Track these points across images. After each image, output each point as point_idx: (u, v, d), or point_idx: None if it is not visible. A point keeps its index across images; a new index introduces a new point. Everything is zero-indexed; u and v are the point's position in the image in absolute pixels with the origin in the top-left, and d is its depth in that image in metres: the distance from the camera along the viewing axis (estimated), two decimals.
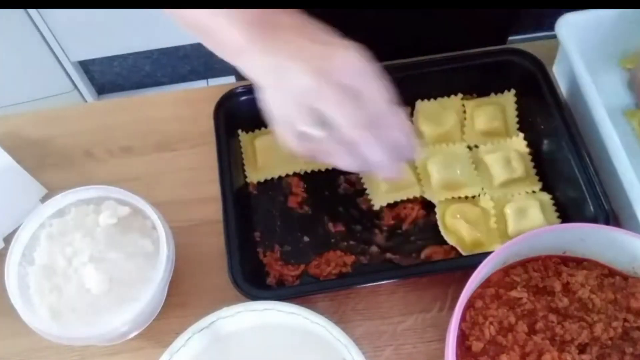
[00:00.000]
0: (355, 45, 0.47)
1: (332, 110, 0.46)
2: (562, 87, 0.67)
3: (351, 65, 0.46)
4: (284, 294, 0.57)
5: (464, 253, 0.59)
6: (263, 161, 0.65)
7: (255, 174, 0.65)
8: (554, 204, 0.61)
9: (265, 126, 0.66)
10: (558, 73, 0.68)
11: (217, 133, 0.63)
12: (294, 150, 0.50)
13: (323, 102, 0.45)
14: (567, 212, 0.60)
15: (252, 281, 0.56)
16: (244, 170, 0.65)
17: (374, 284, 0.58)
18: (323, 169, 0.65)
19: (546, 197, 0.62)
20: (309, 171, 0.65)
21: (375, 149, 0.48)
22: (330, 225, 0.63)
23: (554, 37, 0.64)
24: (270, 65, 0.47)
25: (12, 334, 0.59)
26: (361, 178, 0.65)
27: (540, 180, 0.63)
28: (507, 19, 0.82)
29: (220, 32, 0.49)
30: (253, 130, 0.67)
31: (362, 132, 0.46)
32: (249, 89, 0.64)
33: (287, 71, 0.46)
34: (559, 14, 0.64)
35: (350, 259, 0.61)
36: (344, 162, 0.49)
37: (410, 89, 0.67)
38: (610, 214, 0.55)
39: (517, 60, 0.65)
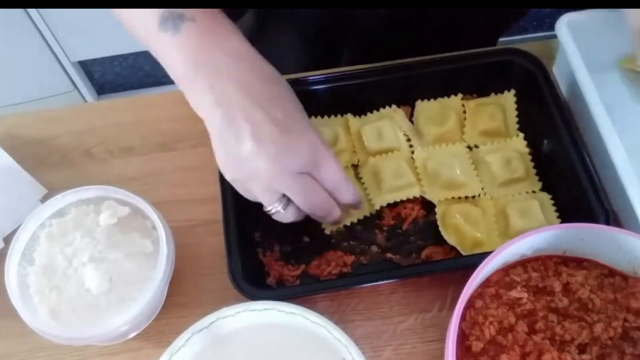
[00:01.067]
0: (309, 129, 0.51)
1: (292, 195, 0.51)
2: (562, 87, 0.67)
3: (305, 156, 0.50)
4: (284, 294, 0.57)
5: (464, 253, 0.59)
6: None
7: None
8: (554, 204, 0.61)
9: None
10: (558, 73, 0.68)
11: None
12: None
13: (280, 187, 0.50)
14: (567, 212, 0.60)
15: (252, 281, 0.56)
16: None
17: (374, 284, 0.58)
18: None
19: (546, 197, 0.62)
20: None
21: (330, 217, 0.55)
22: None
23: (554, 37, 0.64)
24: (223, 128, 0.49)
25: (12, 334, 0.59)
26: (361, 178, 0.65)
27: (540, 180, 0.63)
28: (500, 21, 0.82)
29: (167, 57, 0.52)
30: None
31: (320, 209, 0.54)
32: None
33: (243, 148, 0.48)
34: (559, 14, 0.64)
35: (350, 259, 0.61)
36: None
37: (411, 89, 0.67)
38: (610, 214, 0.55)
39: (517, 60, 0.65)
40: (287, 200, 0.52)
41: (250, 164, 0.49)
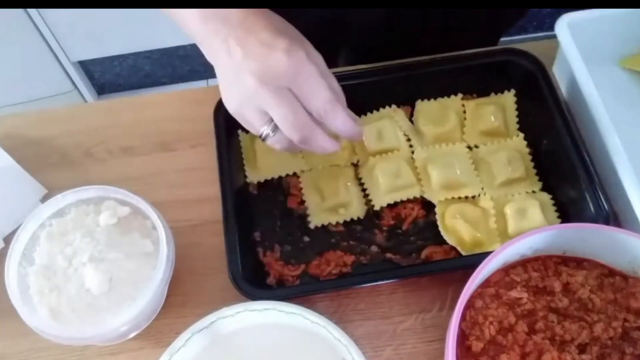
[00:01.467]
0: (296, 45, 0.50)
1: (271, 112, 0.51)
2: (562, 87, 0.67)
3: (286, 67, 0.49)
4: (284, 294, 0.57)
5: (463, 253, 0.59)
6: (263, 161, 0.65)
7: (255, 174, 0.65)
8: (554, 204, 0.61)
9: None
10: (558, 73, 0.68)
11: (217, 133, 0.63)
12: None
13: (263, 103, 0.50)
14: (567, 212, 0.60)
15: (252, 281, 0.56)
16: (244, 170, 0.65)
17: (374, 284, 0.58)
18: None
19: (546, 197, 0.62)
20: (308, 171, 0.65)
21: (314, 144, 0.53)
22: (331, 225, 0.63)
23: (554, 37, 0.64)
24: (224, 63, 0.51)
25: (12, 334, 0.59)
26: (361, 178, 0.65)
27: (540, 180, 0.63)
28: (500, 21, 0.82)
29: (185, 24, 0.54)
30: None
31: (298, 132, 0.51)
32: None
33: (234, 72, 0.50)
34: (559, 14, 0.64)
35: (350, 258, 0.61)
36: (288, 149, 0.55)
37: (411, 89, 0.67)
38: (610, 214, 0.55)
39: (517, 61, 0.65)
40: (275, 124, 0.52)
41: (240, 85, 0.50)
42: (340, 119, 0.53)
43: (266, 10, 0.53)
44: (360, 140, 0.59)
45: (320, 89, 0.51)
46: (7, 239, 0.63)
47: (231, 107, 0.53)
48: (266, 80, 0.49)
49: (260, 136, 0.53)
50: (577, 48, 0.61)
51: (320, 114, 0.52)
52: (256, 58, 0.49)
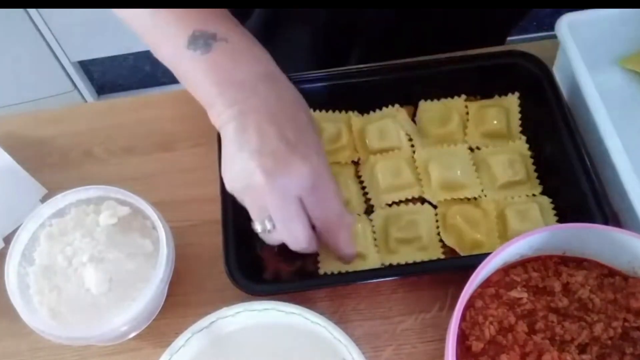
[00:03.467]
0: (315, 154, 0.49)
1: (275, 218, 0.49)
2: (562, 88, 0.67)
3: (302, 179, 0.48)
4: (280, 288, 0.56)
5: (462, 254, 0.59)
6: None
7: None
8: (554, 208, 0.61)
9: None
10: (558, 73, 0.68)
11: None
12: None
13: (268, 205, 0.49)
14: (566, 216, 0.60)
15: (249, 275, 0.55)
16: None
17: (375, 280, 0.58)
18: None
19: (546, 200, 0.62)
20: None
21: (310, 248, 0.53)
22: None
23: (554, 37, 0.64)
24: (232, 142, 0.49)
25: (12, 334, 0.59)
26: (360, 176, 0.65)
27: (541, 183, 0.63)
28: (508, 18, 0.82)
29: (194, 86, 0.53)
30: None
31: (299, 244, 0.51)
32: None
33: (244, 158, 0.48)
34: (559, 14, 0.64)
35: None
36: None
37: (414, 89, 0.67)
38: (610, 219, 0.55)
39: (523, 63, 0.64)
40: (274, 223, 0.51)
41: (246, 175, 0.48)
42: (344, 237, 0.53)
43: (281, 76, 0.52)
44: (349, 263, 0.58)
45: (332, 204, 0.50)
46: (7, 239, 0.63)
47: (230, 187, 0.52)
48: (278, 184, 0.47)
49: (254, 227, 0.52)
50: (577, 48, 0.61)
51: (323, 228, 0.51)
52: (273, 156, 0.47)
